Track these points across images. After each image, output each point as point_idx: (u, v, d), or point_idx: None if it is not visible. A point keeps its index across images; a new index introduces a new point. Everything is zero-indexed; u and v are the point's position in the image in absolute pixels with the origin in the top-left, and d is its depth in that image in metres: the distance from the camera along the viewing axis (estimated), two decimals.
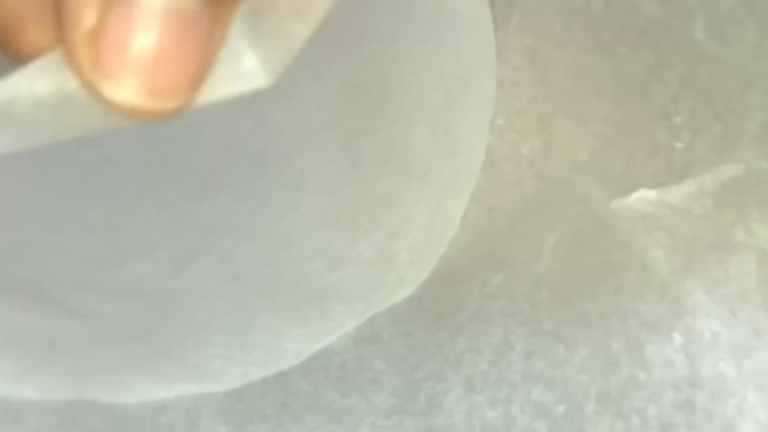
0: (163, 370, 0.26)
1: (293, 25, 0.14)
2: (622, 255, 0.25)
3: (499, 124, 0.28)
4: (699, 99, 0.24)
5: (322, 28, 0.31)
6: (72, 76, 0.13)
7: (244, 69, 0.14)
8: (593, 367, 0.24)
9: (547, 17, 0.27)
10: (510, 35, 0.28)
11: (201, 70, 0.14)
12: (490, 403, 0.25)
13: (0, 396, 0.24)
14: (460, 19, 0.28)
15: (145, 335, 0.27)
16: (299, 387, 0.27)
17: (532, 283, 0.26)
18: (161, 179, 0.30)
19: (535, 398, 0.24)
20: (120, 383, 0.26)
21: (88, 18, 0.13)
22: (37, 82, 0.14)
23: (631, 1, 0.25)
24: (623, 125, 0.26)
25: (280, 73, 0.14)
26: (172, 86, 0.13)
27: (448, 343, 0.26)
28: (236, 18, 0.14)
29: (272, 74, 0.14)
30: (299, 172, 0.29)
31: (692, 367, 0.23)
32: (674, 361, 0.23)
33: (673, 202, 0.25)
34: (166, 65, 0.13)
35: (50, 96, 0.14)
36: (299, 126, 0.29)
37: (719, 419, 0.22)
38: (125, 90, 0.13)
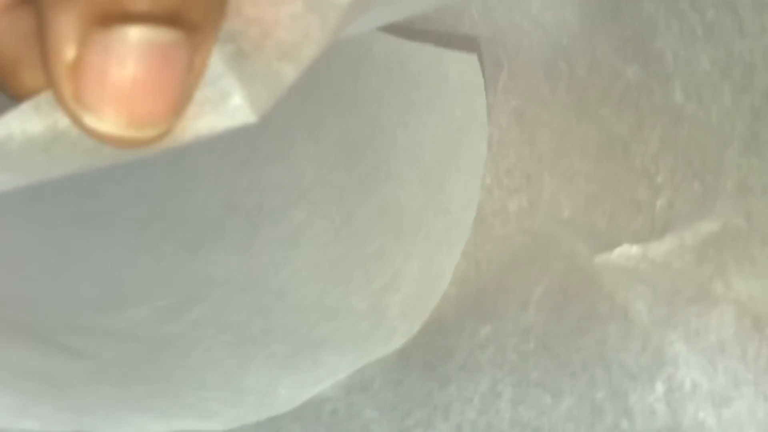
0: (161, 408, 0.27)
1: (281, 66, 0.14)
2: (605, 308, 0.25)
3: (487, 181, 0.29)
4: (678, 159, 0.25)
5: (319, 91, 0.32)
6: (63, 114, 0.14)
7: (231, 106, 0.14)
8: (579, 416, 0.24)
9: (533, 80, 0.28)
10: (498, 97, 0.29)
11: (179, 100, 0.14)
12: None
13: (2, 428, 0.25)
14: (452, 84, 0.29)
15: (143, 375, 0.27)
16: (291, 431, 0.27)
17: (519, 334, 0.26)
18: (159, 232, 0.31)
19: None
20: (119, 418, 0.26)
21: (68, 51, 0.13)
22: (30, 120, 0.14)
23: (612, 65, 0.26)
24: (606, 183, 0.26)
25: (268, 110, 0.14)
26: (149, 116, 0.13)
27: (437, 392, 0.27)
28: (223, 57, 0.14)
29: (259, 112, 0.14)
30: (294, 228, 0.30)
31: (674, 415, 0.23)
32: (656, 409, 0.24)
33: (654, 257, 0.25)
34: (143, 96, 0.13)
35: (43, 134, 0.14)
36: (295, 184, 0.30)
37: None
38: (105, 121, 0.13)
